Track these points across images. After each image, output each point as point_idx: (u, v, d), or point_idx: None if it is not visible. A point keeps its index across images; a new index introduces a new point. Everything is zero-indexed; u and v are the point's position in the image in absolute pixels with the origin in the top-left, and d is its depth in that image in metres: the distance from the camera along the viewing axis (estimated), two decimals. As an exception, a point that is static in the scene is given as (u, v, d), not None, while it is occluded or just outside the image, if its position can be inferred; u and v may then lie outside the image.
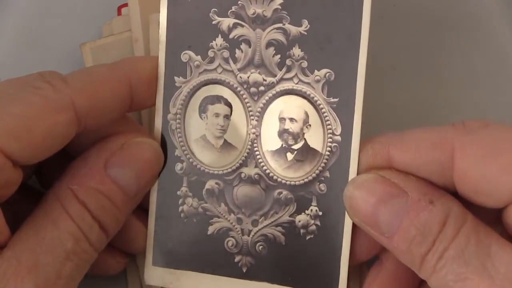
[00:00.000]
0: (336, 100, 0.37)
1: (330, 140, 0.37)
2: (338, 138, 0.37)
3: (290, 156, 0.37)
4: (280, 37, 0.37)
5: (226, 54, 0.38)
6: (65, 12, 0.49)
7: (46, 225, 0.34)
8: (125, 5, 0.44)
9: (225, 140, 0.38)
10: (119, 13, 0.45)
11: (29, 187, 0.40)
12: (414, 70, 0.47)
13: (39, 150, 0.33)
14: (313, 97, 0.37)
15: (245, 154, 0.38)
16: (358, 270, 0.41)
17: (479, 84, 0.47)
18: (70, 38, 0.46)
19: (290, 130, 0.37)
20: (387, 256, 0.38)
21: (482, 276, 0.31)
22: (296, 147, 0.37)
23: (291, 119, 0.37)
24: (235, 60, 0.38)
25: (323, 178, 0.37)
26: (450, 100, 0.47)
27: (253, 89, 0.38)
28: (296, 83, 0.37)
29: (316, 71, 0.37)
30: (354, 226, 0.37)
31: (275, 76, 0.37)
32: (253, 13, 0.37)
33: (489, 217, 0.34)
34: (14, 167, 0.32)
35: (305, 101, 0.37)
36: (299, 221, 0.38)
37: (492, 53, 0.48)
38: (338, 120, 0.37)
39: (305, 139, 0.37)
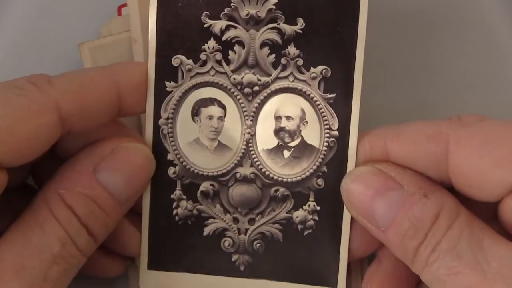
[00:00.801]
0: (333, 95, 0.37)
1: (328, 135, 0.37)
2: (336, 133, 0.37)
3: (286, 153, 0.38)
4: (275, 36, 0.37)
5: (219, 56, 0.38)
6: (64, 13, 0.48)
7: (33, 228, 0.33)
8: (125, 5, 0.44)
9: (219, 142, 0.38)
10: (119, 13, 0.45)
11: (28, 187, 0.40)
12: (414, 70, 0.48)
13: (22, 153, 0.33)
14: (309, 94, 0.37)
15: (240, 154, 0.38)
16: (360, 266, 0.41)
17: (478, 84, 0.48)
18: (69, 38, 0.46)
19: (287, 128, 0.38)
20: (384, 253, 0.38)
21: (474, 270, 0.31)
22: (292, 144, 0.38)
23: (287, 117, 0.38)
24: (228, 62, 0.38)
25: (320, 173, 0.38)
26: (449, 100, 0.47)
27: (247, 90, 0.38)
28: (292, 81, 0.38)
29: (312, 68, 0.37)
30: (352, 222, 0.37)
31: (270, 75, 0.38)
32: (247, 15, 0.37)
33: (486, 214, 0.34)
34: None
35: (301, 99, 0.38)
36: (297, 217, 0.38)
37: (492, 53, 0.48)
38: (335, 115, 0.37)
39: (302, 136, 0.38)
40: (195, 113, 0.38)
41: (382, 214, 0.34)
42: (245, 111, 0.38)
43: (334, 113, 0.37)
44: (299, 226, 0.38)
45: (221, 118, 0.38)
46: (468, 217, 0.33)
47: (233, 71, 0.38)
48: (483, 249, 0.31)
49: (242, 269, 0.39)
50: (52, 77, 0.35)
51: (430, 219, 0.33)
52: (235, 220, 0.39)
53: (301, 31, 0.37)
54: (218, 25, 0.38)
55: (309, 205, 0.38)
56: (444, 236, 0.32)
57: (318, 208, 0.38)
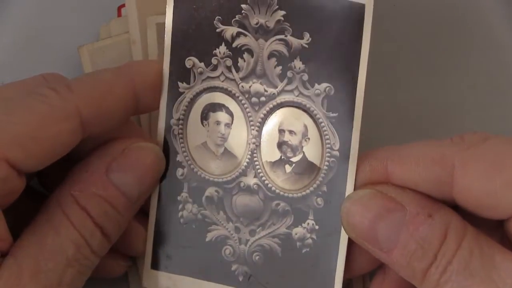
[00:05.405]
0: (335, 115, 0.36)
1: (329, 155, 0.37)
2: (336, 153, 0.36)
3: (288, 168, 0.37)
4: (282, 48, 0.37)
5: (229, 62, 0.37)
6: (64, 13, 0.49)
7: (47, 232, 0.34)
8: (125, 5, 0.44)
9: (225, 149, 0.38)
10: (119, 13, 0.45)
11: (30, 188, 0.40)
12: (414, 70, 0.48)
13: (43, 158, 0.33)
14: (312, 111, 0.37)
15: (245, 163, 0.38)
16: (362, 281, 0.41)
17: (479, 84, 0.48)
18: (69, 38, 0.46)
19: (289, 142, 0.37)
20: None
21: None
22: (294, 159, 0.37)
23: (290, 132, 0.37)
24: (238, 69, 0.37)
25: (320, 192, 0.37)
26: (450, 100, 0.47)
27: (254, 99, 0.37)
28: (297, 96, 0.37)
29: (316, 84, 0.36)
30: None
31: (276, 87, 0.37)
32: (256, 23, 0.37)
33: (487, 225, 0.34)
34: (18, 175, 0.32)
35: (305, 114, 0.37)
36: (296, 234, 0.38)
37: (492, 53, 0.48)
38: (336, 136, 0.36)
39: (303, 152, 0.37)
40: (204, 116, 0.38)
41: (385, 236, 0.33)
42: (251, 120, 0.38)
43: (336, 133, 0.36)
44: (298, 243, 0.38)
45: (228, 125, 0.38)
46: (475, 235, 0.33)
47: (241, 79, 0.38)
48: (496, 266, 0.31)
49: (240, 279, 0.38)
50: (69, 81, 0.35)
51: (438, 239, 0.32)
52: (237, 229, 0.38)
53: (307, 46, 0.36)
54: (229, 31, 0.37)
55: (308, 223, 0.37)
56: (454, 256, 0.32)
57: (317, 227, 0.37)
